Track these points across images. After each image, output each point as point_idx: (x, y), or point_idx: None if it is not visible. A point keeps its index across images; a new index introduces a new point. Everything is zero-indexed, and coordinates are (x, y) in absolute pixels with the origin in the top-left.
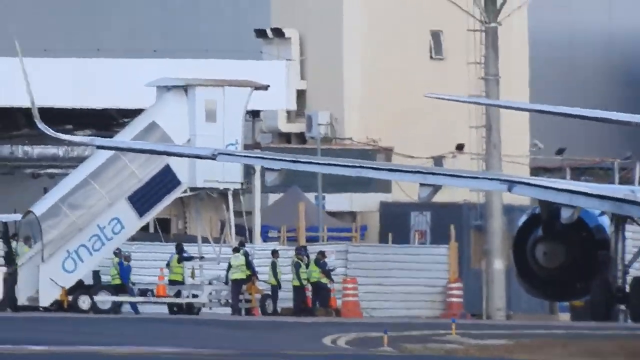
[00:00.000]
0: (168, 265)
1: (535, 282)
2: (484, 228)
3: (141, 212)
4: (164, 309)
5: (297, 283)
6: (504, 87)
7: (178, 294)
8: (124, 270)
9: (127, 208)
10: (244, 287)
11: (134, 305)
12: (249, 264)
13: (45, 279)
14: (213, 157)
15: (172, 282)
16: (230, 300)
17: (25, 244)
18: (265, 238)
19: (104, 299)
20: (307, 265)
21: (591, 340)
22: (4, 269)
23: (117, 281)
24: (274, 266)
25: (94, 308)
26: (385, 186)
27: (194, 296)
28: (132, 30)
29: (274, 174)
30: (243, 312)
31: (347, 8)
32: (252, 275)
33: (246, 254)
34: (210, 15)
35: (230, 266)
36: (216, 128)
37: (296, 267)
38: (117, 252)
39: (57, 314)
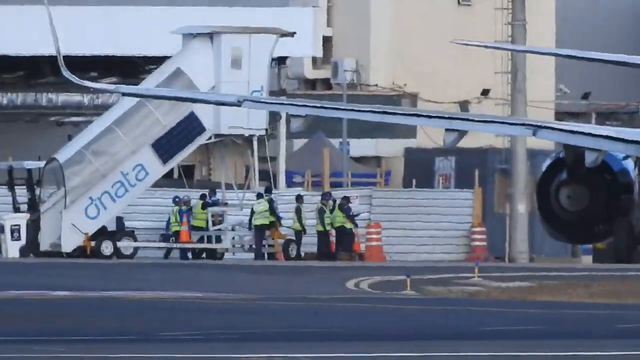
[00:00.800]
0: (191, 210)
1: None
2: (508, 172)
3: (165, 159)
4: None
5: (320, 228)
6: (530, 33)
7: (201, 240)
8: (187, 217)
9: (151, 155)
10: (267, 232)
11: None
12: (272, 210)
13: (67, 225)
14: (238, 104)
15: (195, 228)
16: (253, 246)
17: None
18: (290, 183)
19: (127, 245)
20: (332, 211)
21: (613, 281)
22: (27, 215)
23: (177, 228)
24: (298, 211)
25: (117, 254)
26: (410, 132)
27: (217, 241)
28: None
29: (299, 120)
30: (266, 257)
31: None
32: (276, 221)
33: (270, 201)
34: None
35: (253, 212)
36: (241, 75)
37: (320, 212)
38: (177, 201)
39: (80, 260)
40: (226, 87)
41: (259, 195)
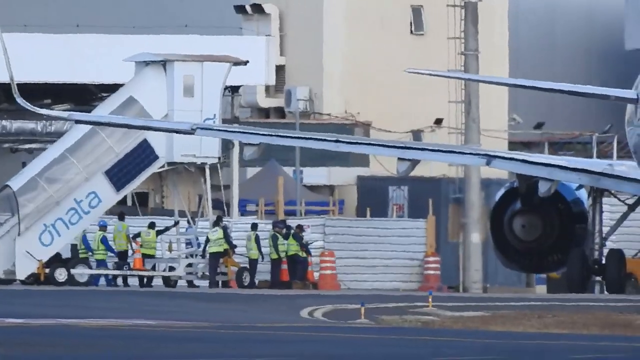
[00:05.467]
0: (138, 236)
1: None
2: (462, 201)
3: (118, 187)
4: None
5: (275, 256)
6: (483, 63)
7: (153, 268)
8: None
9: (104, 182)
10: (221, 260)
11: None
12: (227, 238)
13: (21, 252)
14: (192, 132)
15: (145, 256)
16: (207, 273)
17: None
18: (243, 212)
19: (81, 272)
20: (287, 237)
21: (567, 311)
22: None
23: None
24: (257, 239)
25: (70, 281)
26: (363, 160)
27: (171, 269)
28: (112, 6)
29: (252, 148)
30: (220, 285)
31: None
32: (230, 249)
33: (224, 228)
34: None
35: (208, 240)
36: (194, 103)
37: (274, 239)
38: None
39: (34, 287)
40: (179, 115)
41: (214, 224)
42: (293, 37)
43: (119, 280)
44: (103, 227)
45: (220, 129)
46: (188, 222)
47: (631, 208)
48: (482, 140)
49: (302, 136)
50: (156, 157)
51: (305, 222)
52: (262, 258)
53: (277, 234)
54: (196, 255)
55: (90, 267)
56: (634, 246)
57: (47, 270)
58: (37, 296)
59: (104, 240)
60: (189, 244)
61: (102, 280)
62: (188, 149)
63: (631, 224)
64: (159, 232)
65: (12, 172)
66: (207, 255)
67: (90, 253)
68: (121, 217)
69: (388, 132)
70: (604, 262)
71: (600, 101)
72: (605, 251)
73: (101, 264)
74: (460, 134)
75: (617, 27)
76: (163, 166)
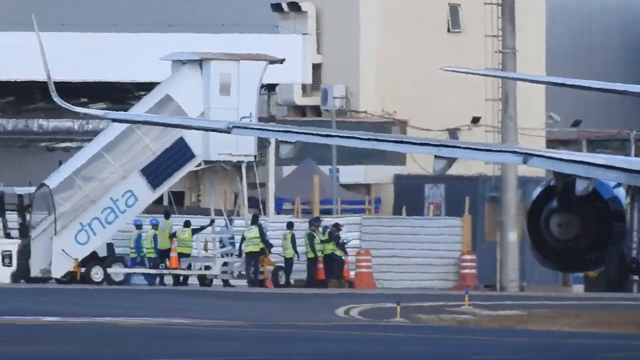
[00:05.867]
0: (174, 235)
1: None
2: (498, 200)
3: (154, 185)
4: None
5: (311, 255)
6: (520, 60)
7: (189, 267)
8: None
9: (141, 181)
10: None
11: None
12: (263, 237)
13: (58, 251)
14: (228, 130)
15: (181, 255)
16: (242, 272)
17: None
18: (279, 210)
19: (117, 271)
20: (328, 240)
21: (604, 310)
22: (19, 241)
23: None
24: (292, 238)
25: (107, 280)
26: (399, 159)
27: (207, 268)
28: (149, 4)
29: (288, 146)
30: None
31: None
32: (266, 248)
33: (260, 227)
34: None
35: (243, 238)
36: (230, 101)
37: (310, 238)
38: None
39: (70, 285)
40: (215, 113)
41: (252, 221)
42: (329, 35)
43: (157, 279)
44: (139, 226)
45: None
46: (224, 221)
47: None
48: (520, 138)
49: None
50: (192, 156)
51: (340, 221)
52: (298, 257)
53: (313, 233)
54: (232, 254)
55: (126, 266)
56: None
57: (83, 269)
58: (73, 295)
59: (137, 240)
60: (225, 242)
61: (138, 280)
62: (224, 148)
63: None
64: (194, 231)
65: (48, 170)
66: (243, 254)
67: (138, 254)
68: (167, 216)
69: (425, 131)
70: None
71: (637, 98)
72: None
73: (134, 262)
74: (498, 133)
75: None
76: (199, 165)
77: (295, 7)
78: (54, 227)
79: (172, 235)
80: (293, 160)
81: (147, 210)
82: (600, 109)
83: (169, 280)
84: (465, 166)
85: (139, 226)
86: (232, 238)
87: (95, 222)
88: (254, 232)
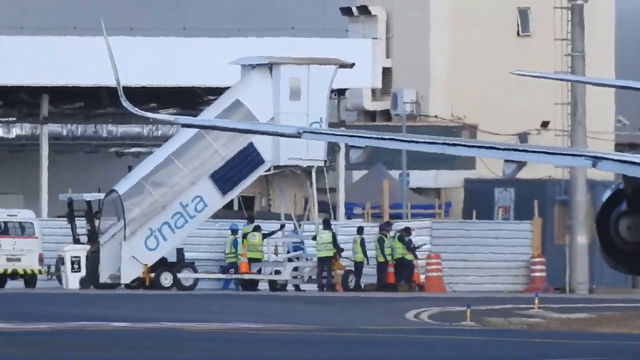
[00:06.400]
0: (245, 237)
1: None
2: (568, 203)
3: (224, 190)
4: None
5: (381, 259)
6: (589, 64)
7: (259, 271)
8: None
9: (210, 186)
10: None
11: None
12: (335, 242)
13: (127, 256)
14: (298, 135)
15: (251, 260)
16: (313, 277)
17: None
18: (350, 215)
19: (187, 276)
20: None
21: None
22: (87, 247)
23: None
24: (362, 243)
25: (176, 285)
26: (469, 163)
27: (277, 273)
28: (217, 9)
29: (358, 151)
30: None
31: None
32: (337, 252)
33: (333, 232)
34: None
35: (314, 238)
36: (300, 106)
37: (380, 242)
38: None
39: (139, 291)
40: (285, 118)
41: (324, 226)
42: (399, 39)
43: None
44: (234, 230)
45: (327, 132)
46: (294, 225)
47: None
48: (589, 142)
49: (409, 139)
50: (262, 161)
51: (411, 225)
52: (367, 261)
53: (383, 237)
54: (301, 258)
55: (196, 271)
56: None
57: (152, 275)
58: (142, 300)
59: (234, 244)
60: (290, 247)
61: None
62: (294, 153)
63: None
64: (265, 236)
65: (118, 176)
66: (314, 259)
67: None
68: (251, 221)
69: (494, 135)
70: None
71: None
72: None
73: (232, 266)
74: (567, 136)
75: None
76: (269, 169)
77: (365, 11)
78: (123, 233)
79: (243, 239)
80: (363, 165)
81: (217, 215)
82: None
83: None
84: (534, 170)
85: (234, 231)
86: (302, 242)
87: (165, 227)
88: (327, 236)
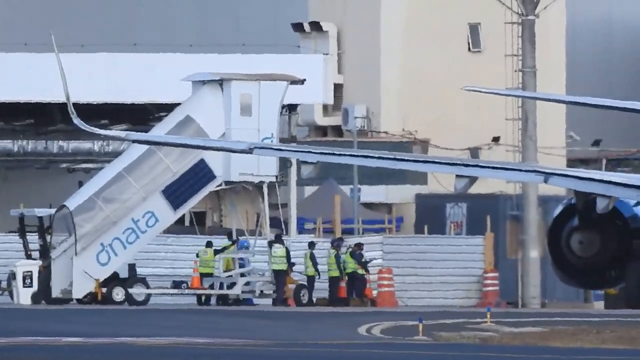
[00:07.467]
0: (197, 256)
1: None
2: (520, 218)
3: (175, 206)
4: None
5: (335, 274)
6: (540, 80)
7: (212, 287)
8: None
9: (162, 201)
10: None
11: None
12: (288, 256)
13: (79, 271)
14: (249, 151)
15: (203, 275)
16: (264, 292)
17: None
18: (301, 230)
19: (139, 292)
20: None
21: (625, 327)
22: (39, 262)
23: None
24: (313, 257)
25: (128, 300)
26: (421, 178)
27: (229, 287)
28: (168, 25)
29: (309, 166)
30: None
31: (385, 1)
32: (288, 267)
33: (286, 246)
34: (247, 9)
35: (270, 257)
36: (251, 122)
37: (336, 258)
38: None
39: (91, 306)
40: (236, 134)
41: (276, 242)
42: (351, 55)
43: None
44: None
45: (278, 147)
46: (246, 241)
47: None
48: (540, 157)
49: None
50: (213, 176)
51: (362, 240)
52: (319, 276)
53: (338, 252)
54: (251, 273)
55: (148, 287)
56: None
57: (104, 290)
58: (94, 315)
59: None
60: (246, 262)
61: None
62: (246, 168)
63: None
64: (216, 252)
65: (69, 192)
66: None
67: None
68: (229, 237)
69: (446, 150)
70: None
71: None
72: None
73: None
74: (518, 152)
75: None
76: (220, 185)
77: (316, 27)
78: (74, 248)
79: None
80: (314, 180)
81: (169, 231)
82: (620, 127)
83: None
84: (486, 185)
85: (244, 247)
86: (246, 259)
87: (116, 243)
88: (281, 250)
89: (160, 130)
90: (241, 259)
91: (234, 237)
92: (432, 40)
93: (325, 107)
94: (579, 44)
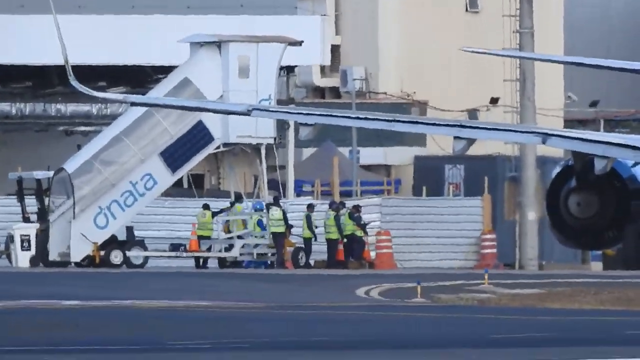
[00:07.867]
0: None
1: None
2: (518, 180)
3: (174, 168)
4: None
5: (335, 236)
6: (538, 41)
7: (209, 249)
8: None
9: (160, 164)
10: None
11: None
12: (285, 218)
13: (76, 234)
14: (247, 113)
15: (201, 238)
16: (262, 254)
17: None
18: (299, 192)
19: (137, 254)
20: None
21: (622, 288)
22: (37, 225)
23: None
24: (309, 219)
25: (126, 263)
26: (419, 140)
27: (226, 250)
28: None
29: (307, 128)
30: (275, 265)
31: None
32: (287, 229)
33: (283, 209)
34: None
35: (269, 219)
36: (249, 84)
37: (336, 220)
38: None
39: (89, 269)
40: (234, 96)
41: (274, 204)
42: (348, 16)
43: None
44: (260, 209)
45: (276, 109)
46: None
47: None
48: (538, 118)
49: (358, 116)
50: (212, 139)
51: (361, 202)
52: (315, 238)
53: (338, 214)
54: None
55: (146, 249)
56: None
57: (102, 253)
58: (92, 278)
59: (259, 223)
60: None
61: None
62: (244, 130)
63: None
64: (214, 214)
65: (67, 155)
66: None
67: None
68: (239, 199)
69: (444, 111)
70: None
71: None
72: None
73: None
74: (516, 113)
75: None
76: (219, 147)
77: None
78: (72, 211)
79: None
80: (313, 142)
81: (167, 193)
82: (618, 88)
83: (190, 262)
84: (484, 146)
85: (258, 209)
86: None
87: (114, 205)
88: (278, 213)
89: (158, 93)
90: (260, 220)
91: (240, 199)
92: (429, 1)
93: (323, 69)
94: (578, 5)
